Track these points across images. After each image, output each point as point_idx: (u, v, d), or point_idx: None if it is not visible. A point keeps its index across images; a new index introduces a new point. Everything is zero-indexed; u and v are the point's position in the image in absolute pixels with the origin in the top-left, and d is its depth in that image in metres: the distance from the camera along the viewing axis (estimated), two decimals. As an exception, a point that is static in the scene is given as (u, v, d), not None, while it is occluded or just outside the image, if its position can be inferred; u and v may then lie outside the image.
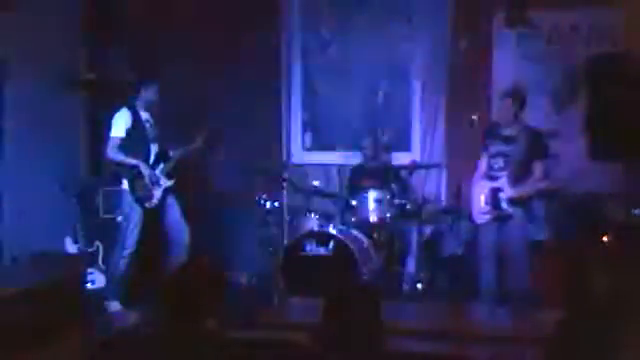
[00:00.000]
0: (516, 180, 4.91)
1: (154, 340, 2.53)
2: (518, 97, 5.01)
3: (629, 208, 5.25)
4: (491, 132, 5.08)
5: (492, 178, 4.99)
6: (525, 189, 4.91)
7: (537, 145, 4.94)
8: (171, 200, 5.33)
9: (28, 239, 5.44)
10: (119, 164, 5.20)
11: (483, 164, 5.12)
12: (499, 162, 4.97)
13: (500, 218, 4.95)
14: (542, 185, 4.98)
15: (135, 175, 5.15)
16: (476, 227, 5.16)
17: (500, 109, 5.12)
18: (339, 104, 6.39)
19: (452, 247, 5.86)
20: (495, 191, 4.93)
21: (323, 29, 6.38)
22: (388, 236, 5.70)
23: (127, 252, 5.16)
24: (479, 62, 6.01)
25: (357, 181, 5.97)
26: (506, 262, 4.99)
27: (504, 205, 4.90)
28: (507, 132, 5.00)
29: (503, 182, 4.92)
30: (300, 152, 6.47)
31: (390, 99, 6.29)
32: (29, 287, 4.07)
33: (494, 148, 5.02)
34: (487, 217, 4.99)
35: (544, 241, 5.82)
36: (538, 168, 4.93)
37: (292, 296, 5.27)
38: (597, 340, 1.74)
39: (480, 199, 5.03)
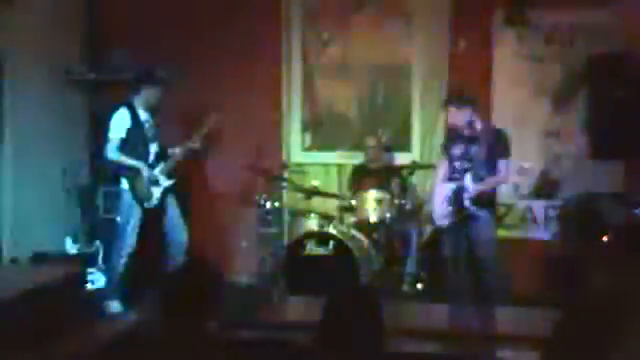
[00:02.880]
0: (479, 178, 4.79)
1: (154, 340, 2.53)
2: (462, 105, 4.86)
3: (629, 208, 5.25)
4: (452, 134, 4.97)
5: (455, 180, 4.87)
6: (486, 184, 4.80)
7: (500, 144, 4.80)
8: (171, 200, 5.33)
9: (28, 239, 5.44)
10: (119, 164, 5.20)
11: (444, 168, 5.02)
12: (463, 164, 4.85)
13: (464, 218, 4.81)
14: (501, 179, 4.89)
15: (135, 175, 5.15)
16: (439, 230, 5.05)
17: (453, 117, 4.93)
18: (339, 104, 6.39)
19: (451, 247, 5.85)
20: (458, 190, 4.80)
21: (323, 29, 6.38)
22: (388, 236, 5.70)
23: (127, 252, 5.16)
24: (479, 62, 6.01)
25: (357, 181, 5.97)
26: (476, 263, 4.88)
27: (467, 203, 4.76)
28: (467, 133, 4.87)
29: (467, 180, 4.78)
30: (300, 152, 6.47)
31: (390, 99, 6.29)
32: (29, 287, 4.07)
33: (456, 150, 4.91)
34: (450, 219, 4.87)
35: (544, 241, 5.84)
36: (503, 168, 4.81)
37: (292, 296, 5.27)
38: (597, 340, 1.73)
39: (441, 201, 4.92)
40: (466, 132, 4.89)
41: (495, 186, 4.94)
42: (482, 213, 4.82)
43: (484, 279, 4.87)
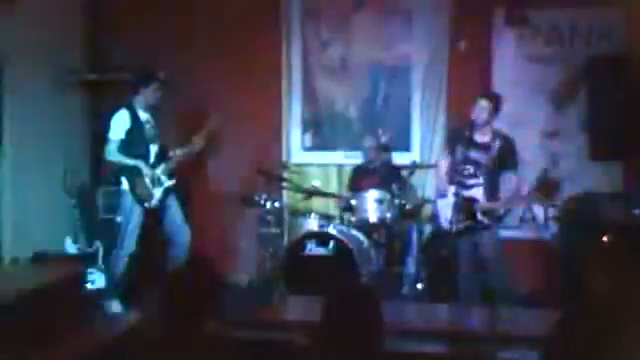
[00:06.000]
0: (491, 192, 4.81)
1: (154, 340, 2.54)
2: (493, 99, 4.87)
3: (629, 208, 5.25)
4: (462, 136, 4.87)
5: (463, 185, 4.83)
6: (501, 204, 4.86)
7: (509, 153, 4.82)
8: (171, 200, 5.33)
9: (28, 239, 5.44)
10: (119, 164, 5.20)
11: (445, 167, 4.98)
12: (469, 169, 4.83)
13: (475, 228, 4.82)
14: (517, 202, 5.01)
15: (135, 175, 5.15)
16: (445, 232, 5.02)
17: (474, 111, 4.87)
18: (339, 104, 6.39)
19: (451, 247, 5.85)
20: (469, 201, 4.80)
21: (323, 29, 6.38)
22: (388, 236, 5.70)
23: (127, 252, 5.16)
24: (479, 62, 6.01)
25: (357, 181, 5.97)
26: (485, 265, 4.90)
27: (479, 216, 4.78)
28: (479, 138, 4.85)
29: (478, 193, 4.79)
30: (300, 152, 6.47)
31: (390, 99, 6.29)
32: (29, 287, 4.06)
33: (465, 154, 4.84)
34: (460, 225, 4.83)
35: (544, 241, 5.83)
36: (512, 180, 4.86)
37: (292, 296, 5.27)
38: (597, 340, 1.74)
39: (448, 205, 4.86)
40: (476, 137, 4.84)
41: (509, 207, 4.98)
42: (491, 222, 4.85)
43: (491, 280, 4.87)
